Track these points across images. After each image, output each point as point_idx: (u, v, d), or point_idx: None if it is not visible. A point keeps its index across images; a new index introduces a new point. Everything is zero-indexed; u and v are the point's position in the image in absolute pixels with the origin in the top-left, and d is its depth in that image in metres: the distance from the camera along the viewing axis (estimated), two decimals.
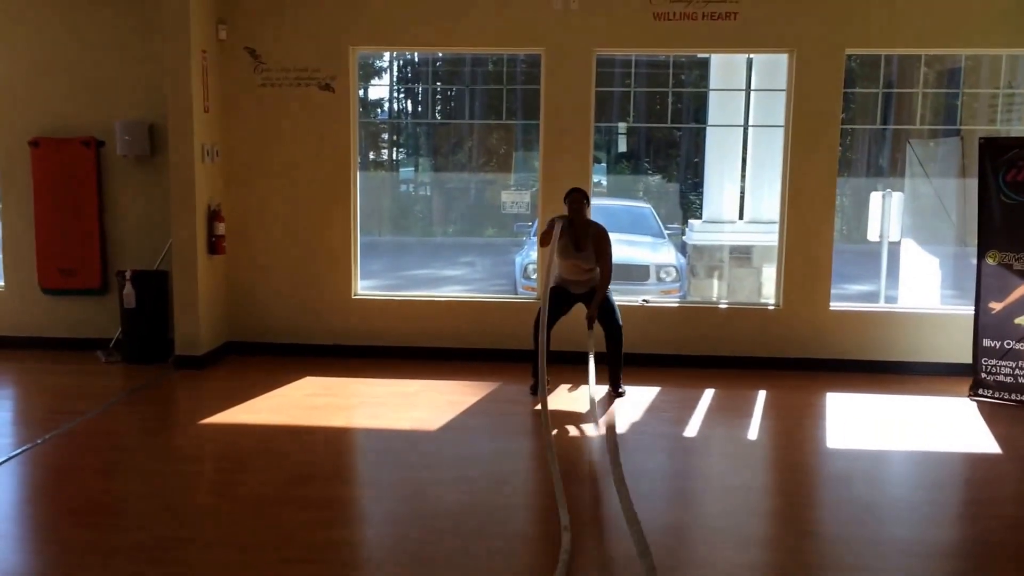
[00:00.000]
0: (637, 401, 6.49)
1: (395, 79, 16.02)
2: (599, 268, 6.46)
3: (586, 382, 6.43)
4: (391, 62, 15.50)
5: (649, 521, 4.32)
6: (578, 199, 6.38)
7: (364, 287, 8.04)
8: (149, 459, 5.23)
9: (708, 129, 10.80)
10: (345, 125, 7.60)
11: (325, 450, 5.45)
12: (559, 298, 6.51)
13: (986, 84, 8.59)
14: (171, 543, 4.04)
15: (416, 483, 4.87)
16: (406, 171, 16.94)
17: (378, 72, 15.56)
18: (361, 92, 8.69)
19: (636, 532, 3.87)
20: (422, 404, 6.35)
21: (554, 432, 5.66)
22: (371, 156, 15.92)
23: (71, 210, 7.68)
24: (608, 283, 6.48)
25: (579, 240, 6.40)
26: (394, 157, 17.06)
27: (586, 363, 6.38)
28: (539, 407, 6.21)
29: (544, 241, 6.48)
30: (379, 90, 16.13)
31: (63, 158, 7.62)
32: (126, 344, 7.50)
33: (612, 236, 6.54)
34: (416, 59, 15.11)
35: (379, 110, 15.93)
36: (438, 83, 15.20)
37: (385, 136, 16.52)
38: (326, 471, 5.08)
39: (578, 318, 6.61)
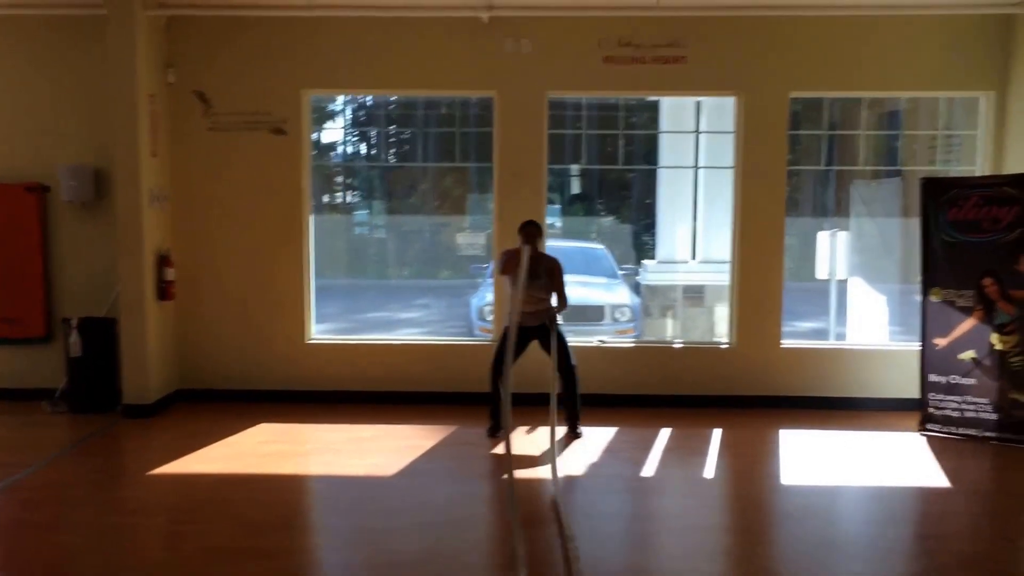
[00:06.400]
0: (595, 442, 6.48)
1: (348, 122, 16.05)
2: (554, 297, 6.47)
3: (544, 424, 6.44)
4: (344, 105, 15.53)
5: (609, 563, 4.29)
6: (532, 232, 6.43)
7: (319, 331, 7.96)
8: (97, 513, 5.07)
9: (659, 170, 10.96)
10: (297, 168, 7.58)
11: (279, 499, 5.34)
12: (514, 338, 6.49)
13: (925, 126, 8.85)
14: None
15: (372, 531, 4.79)
16: (361, 214, 16.90)
17: (331, 115, 15.58)
18: (314, 135, 8.68)
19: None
20: (378, 449, 6.28)
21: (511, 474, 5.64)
22: (325, 199, 15.87)
23: (14, 257, 7.52)
24: (564, 308, 6.46)
25: (532, 270, 6.38)
26: (348, 200, 17.02)
27: (542, 405, 6.38)
28: (498, 450, 6.20)
29: (506, 268, 6.45)
30: (332, 133, 16.14)
31: (6, 204, 7.48)
32: (72, 394, 7.31)
33: (567, 277, 6.57)
34: (369, 102, 15.17)
35: (332, 153, 15.91)
36: (392, 126, 15.25)
37: (339, 179, 16.49)
38: (280, 520, 4.96)
39: (535, 359, 6.60)
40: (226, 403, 7.51)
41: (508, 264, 6.41)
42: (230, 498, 5.27)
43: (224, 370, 7.65)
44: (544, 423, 6.80)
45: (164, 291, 7.30)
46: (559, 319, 6.52)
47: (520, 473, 5.72)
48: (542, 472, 5.78)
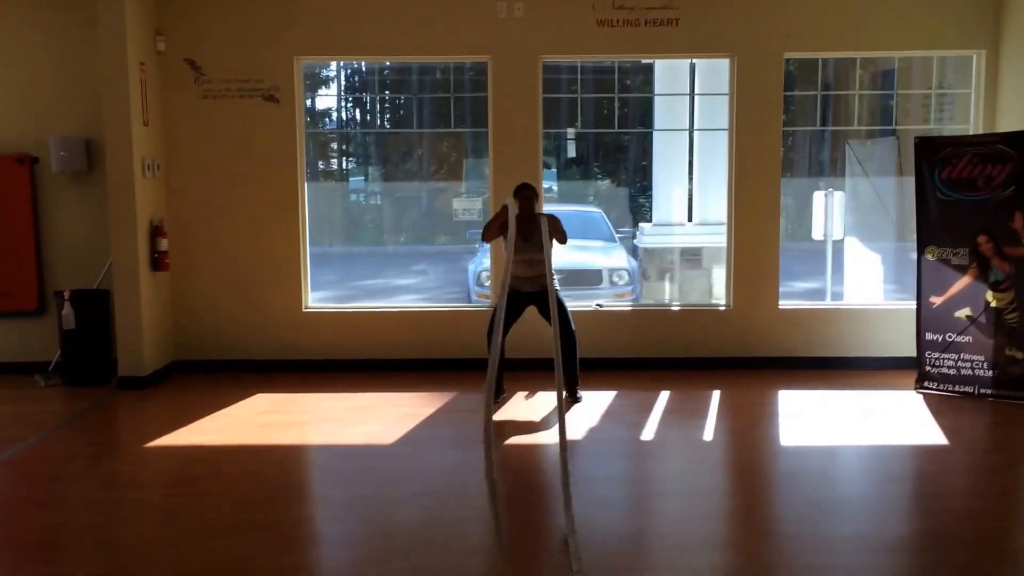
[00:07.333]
0: (594, 406, 6.49)
1: (343, 88, 15.90)
2: (554, 239, 6.17)
3: (543, 389, 6.47)
4: (338, 71, 15.38)
5: (609, 527, 4.32)
6: (528, 195, 6.35)
7: (315, 299, 7.94)
8: (93, 487, 5.07)
9: (655, 133, 10.87)
10: (291, 136, 7.50)
11: (276, 470, 5.34)
12: (510, 302, 6.42)
13: (919, 85, 8.77)
14: None
15: (372, 500, 4.80)
16: (356, 180, 16.80)
17: (325, 81, 15.42)
18: (308, 102, 8.59)
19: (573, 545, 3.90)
20: (376, 418, 6.27)
21: (509, 441, 5.66)
22: (320, 166, 15.77)
23: (4, 229, 7.47)
24: (564, 238, 6.29)
25: (527, 232, 6.31)
26: (343, 167, 16.92)
27: (541, 370, 6.41)
28: (493, 417, 6.20)
29: (487, 236, 6.48)
30: (326, 100, 15.98)
31: None
32: (66, 367, 7.29)
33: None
34: (363, 68, 15.02)
35: (327, 119, 15.77)
36: (386, 92, 15.11)
37: (334, 146, 16.37)
38: (278, 492, 4.96)
39: (533, 323, 6.57)
40: (222, 374, 7.50)
41: (489, 231, 6.39)
42: (227, 470, 5.27)
43: (220, 340, 7.63)
44: (542, 388, 6.82)
45: (158, 262, 7.26)
46: (557, 284, 6.39)
47: (520, 439, 5.74)
48: (544, 437, 5.80)
